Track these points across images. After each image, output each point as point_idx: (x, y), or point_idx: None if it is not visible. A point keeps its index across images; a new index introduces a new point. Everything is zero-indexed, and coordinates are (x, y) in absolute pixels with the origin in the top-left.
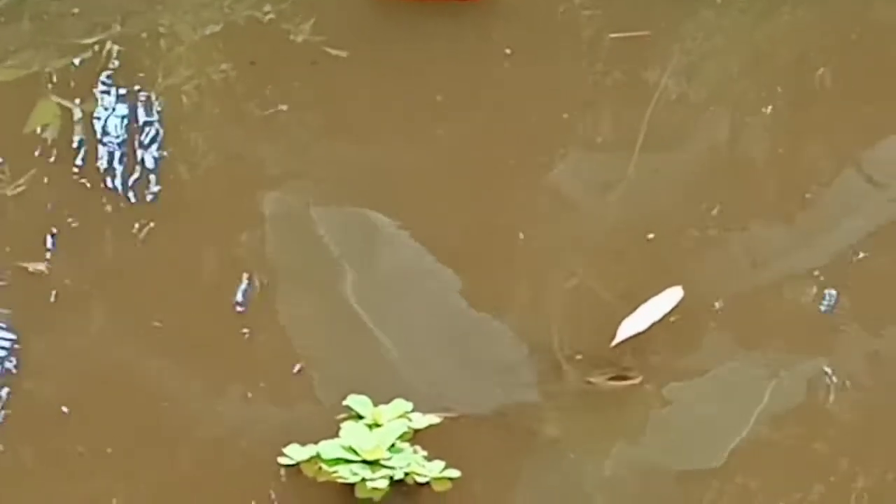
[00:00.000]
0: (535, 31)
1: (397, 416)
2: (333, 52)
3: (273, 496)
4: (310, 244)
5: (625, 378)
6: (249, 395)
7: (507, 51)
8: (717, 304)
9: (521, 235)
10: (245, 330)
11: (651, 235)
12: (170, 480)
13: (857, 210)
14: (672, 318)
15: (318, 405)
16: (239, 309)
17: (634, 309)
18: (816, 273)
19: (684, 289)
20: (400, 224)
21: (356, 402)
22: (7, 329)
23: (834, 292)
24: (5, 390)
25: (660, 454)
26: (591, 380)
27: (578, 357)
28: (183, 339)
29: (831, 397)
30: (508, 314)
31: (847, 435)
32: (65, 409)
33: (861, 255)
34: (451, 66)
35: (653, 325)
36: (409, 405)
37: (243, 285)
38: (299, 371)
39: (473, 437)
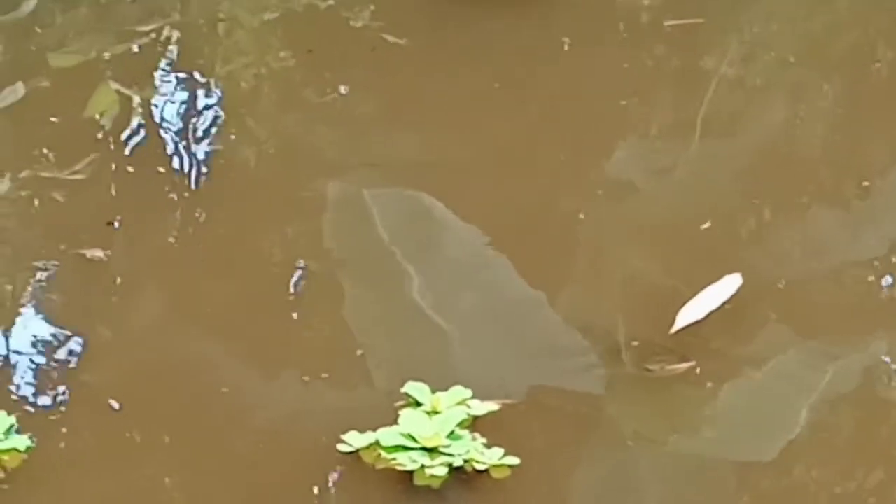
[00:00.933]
0: (592, 20)
1: (456, 403)
2: (392, 39)
3: (332, 483)
4: (368, 230)
5: (682, 364)
6: (308, 381)
7: (566, 39)
8: (774, 292)
9: (581, 218)
10: (304, 317)
11: (707, 224)
12: (228, 468)
13: None
14: (730, 306)
15: (376, 392)
16: (297, 296)
17: (692, 296)
18: (874, 261)
19: (745, 276)
20: (458, 211)
21: (414, 388)
22: (66, 316)
23: (892, 280)
24: (65, 377)
25: (717, 443)
26: (650, 367)
27: (637, 344)
28: (242, 326)
29: (891, 385)
30: (567, 301)
31: None
32: (123, 397)
33: None
34: (509, 54)
35: (711, 312)
36: (468, 392)
37: (301, 272)
38: (360, 356)
39: (532, 425)
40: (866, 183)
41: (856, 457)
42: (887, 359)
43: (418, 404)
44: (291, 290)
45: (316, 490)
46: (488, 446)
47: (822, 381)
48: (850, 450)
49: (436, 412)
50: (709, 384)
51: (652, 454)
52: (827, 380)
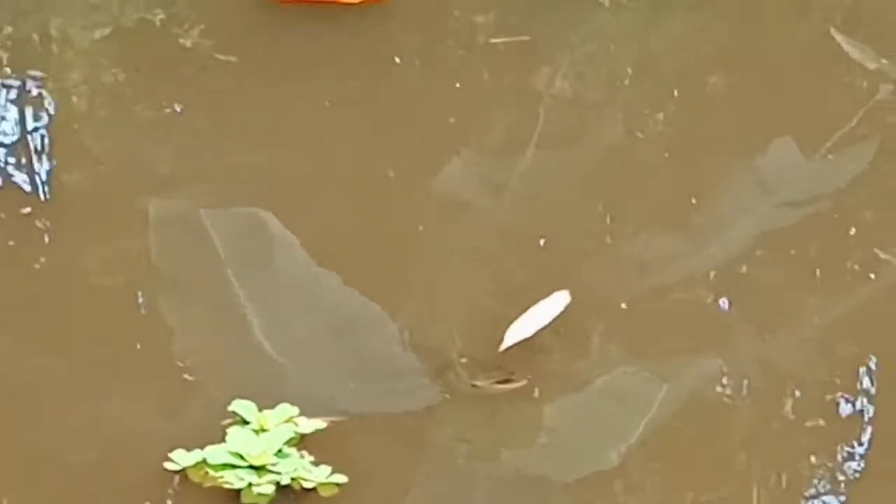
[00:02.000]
0: (425, 36)
1: (283, 420)
2: (223, 56)
3: (160, 501)
4: (199, 248)
5: (510, 381)
6: (136, 399)
7: (397, 56)
8: (607, 310)
9: (413, 236)
10: (133, 335)
11: (541, 241)
12: (57, 488)
13: (747, 215)
14: (563, 323)
15: (204, 410)
16: (127, 314)
17: (524, 313)
18: (706, 278)
19: (575, 293)
20: (289, 228)
21: (241, 406)
22: None
23: (724, 297)
24: None
25: (550, 460)
26: (477, 383)
27: (466, 361)
28: (70, 343)
29: (723, 401)
30: (398, 318)
31: (740, 438)
32: None
33: (750, 259)
34: (341, 71)
35: (541, 329)
36: (295, 410)
37: (132, 289)
38: (189, 373)
39: (362, 443)
40: (699, 200)
41: (690, 475)
42: (720, 374)
43: (245, 422)
44: (122, 307)
45: None
46: (316, 464)
47: (654, 397)
48: (683, 468)
49: (263, 430)
50: (541, 401)
51: (484, 472)
52: (658, 398)
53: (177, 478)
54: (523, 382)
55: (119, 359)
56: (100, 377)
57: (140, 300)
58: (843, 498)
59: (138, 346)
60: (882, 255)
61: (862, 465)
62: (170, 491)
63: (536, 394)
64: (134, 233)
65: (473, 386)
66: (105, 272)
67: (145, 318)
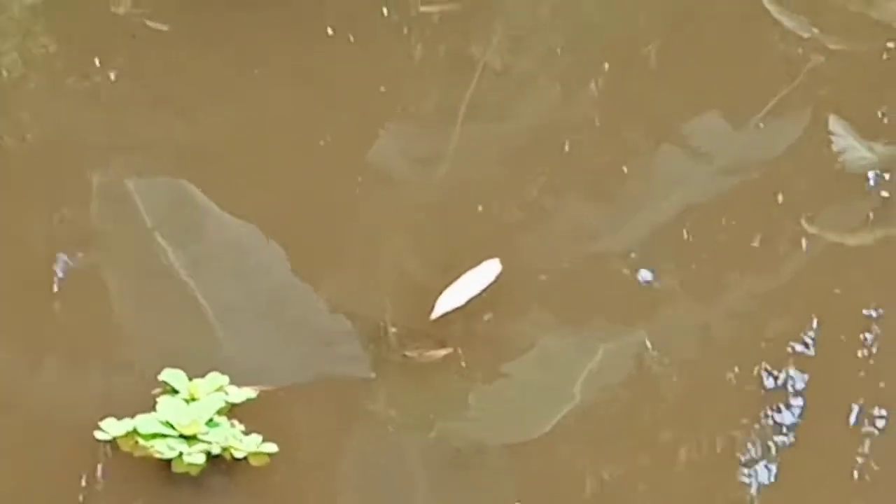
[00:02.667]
0: (356, 6)
1: (214, 389)
2: (153, 25)
3: (90, 471)
4: (130, 217)
5: (439, 350)
6: (67, 368)
7: (329, 26)
8: (540, 278)
9: (344, 205)
10: (65, 305)
11: (472, 211)
12: None
13: (678, 184)
14: (496, 292)
15: (135, 379)
16: (59, 283)
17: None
18: (637, 247)
19: (507, 263)
20: (221, 197)
21: (171, 376)
22: None
23: (654, 267)
24: None
25: (482, 428)
26: (408, 353)
27: (396, 330)
28: (2, 314)
29: (653, 369)
30: (330, 288)
31: (669, 405)
32: None
33: (681, 229)
34: (273, 40)
35: (472, 298)
36: (226, 379)
37: (64, 258)
38: (121, 343)
39: (293, 412)
40: (632, 169)
41: (620, 442)
42: (650, 342)
43: (176, 391)
44: (54, 278)
45: (75, 478)
46: (247, 433)
47: (585, 364)
48: (613, 435)
49: (194, 399)
50: (472, 370)
51: (416, 440)
52: (591, 364)
53: (108, 447)
54: (450, 351)
55: (52, 329)
56: (32, 348)
57: (71, 269)
58: (775, 466)
59: (68, 316)
60: (809, 229)
61: (793, 435)
62: (100, 460)
63: (468, 362)
64: (64, 201)
65: (404, 356)
66: (35, 240)
67: (76, 287)
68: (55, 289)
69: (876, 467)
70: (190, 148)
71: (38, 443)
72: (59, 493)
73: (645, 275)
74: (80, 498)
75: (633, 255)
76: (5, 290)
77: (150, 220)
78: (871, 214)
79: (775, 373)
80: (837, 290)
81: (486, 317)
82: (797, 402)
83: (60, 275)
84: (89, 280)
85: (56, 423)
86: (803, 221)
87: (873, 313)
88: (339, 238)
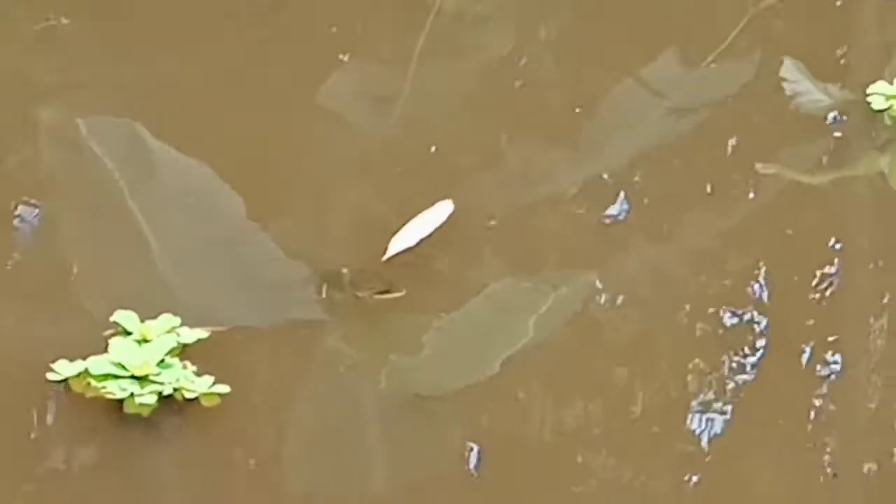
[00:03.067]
0: None
1: (165, 331)
2: None
3: (42, 412)
4: (82, 158)
5: (390, 292)
6: (19, 309)
7: None
8: (493, 219)
9: (298, 147)
10: (15, 245)
11: (427, 152)
12: None
13: (633, 124)
14: (450, 234)
15: (87, 321)
16: (10, 224)
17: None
18: (591, 189)
19: (462, 205)
20: (173, 138)
21: (123, 317)
22: None
23: (608, 208)
24: None
25: (434, 369)
26: (359, 294)
27: (347, 271)
28: None
29: (608, 312)
30: (283, 229)
31: (622, 348)
32: None
33: (637, 168)
34: None
35: (424, 239)
36: (177, 320)
37: (16, 201)
38: (71, 284)
39: (245, 353)
40: (588, 110)
41: (575, 384)
42: (605, 289)
43: (128, 333)
44: (5, 218)
45: (27, 419)
46: (199, 374)
47: (539, 306)
48: (569, 377)
49: (146, 340)
50: (425, 312)
51: (368, 382)
52: (545, 306)
53: (60, 388)
54: (402, 293)
55: (2, 269)
56: None
57: (20, 209)
58: (730, 407)
59: (19, 256)
60: (764, 170)
61: (748, 376)
62: (53, 401)
63: (421, 303)
64: (16, 142)
65: (356, 296)
66: None
67: (27, 228)
68: (7, 231)
69: (832, 407)
70: (141, 90)
71: None
72: (11, 434)
73: (599, 216)
74: (32, 437)
75: (587, 196)
76: None
77: (103, 161)
78: (824, 159)
79: (730, 314)
80: (790, 231)
81: (440, 258)
82: (752, 342)
83: (13, 216)
84: (41, 222)
85: (8, 365)
86: (758, 162)
87: (829, 254)
88: (292, 179)
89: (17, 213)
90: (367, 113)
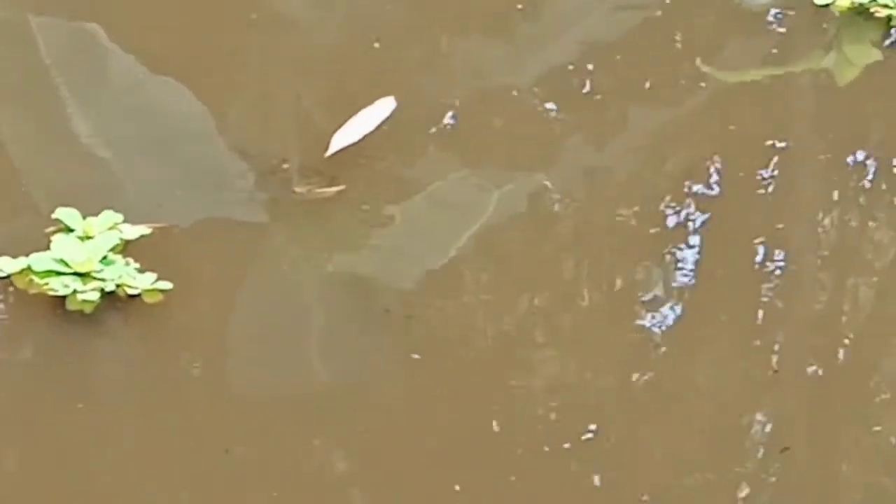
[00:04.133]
0: None
1: (107, 227)
2: None
3: None
4: (29, 55)
5: (330, 187)
6: None
7: None
8: (437, 117)
9: (242, 44)
10: None
11: (370, 47)
12: None
13: (576, 21)
14: (394, 130)
15: (30, 217)
16: None
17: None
18: (535, 84)
19: (406, 101)
20: (119, 39)
21: (65, 214)
22: None
23: (553, 105)
24: None
25: (380, 264)
26: (297, 189)
27: (292, 167)
28: None
29: (553, 209)
30: (225, 126)
31: (569, 245)
32: None
33: (579, 69)
34: None
35: (367, 135)
36: (120, 216)
37: None
38: (13, 181)
39: (188, 250)
40: (524, 6)
41: (521, 279)
42: (548, 183)
43: (70, 230)
44: None
45: None
46: (142, 271)
47: (486, 205)
48: (515, 272)
49: (88, 237)
50: (367, 208)
51: (312, 278)
52: (491, 204)
53: (2, 285)
54: (342, 187)
55: None
56: None
57: None
58: (676, 303)
59: None
60: (706, 67)
61: (694, 274)
62: None
63: (364, 200)
64: None
65: (294, 192)
66: None
67: None
68: None
69: (780, 304)
70: None
71: None
72: None
73: (544, 112)
74: None
75: (530, 94)
76: None
77: (48, 59)
78: (769, 54)
79: (675, 210)
80: (733, 127)
81: (383, 155)
82: (698, 240)
83: None
84: None
85: None
86: (700, 59)
87: (773, 151)
88: (237, 77)
89: None
90: (309, 7)
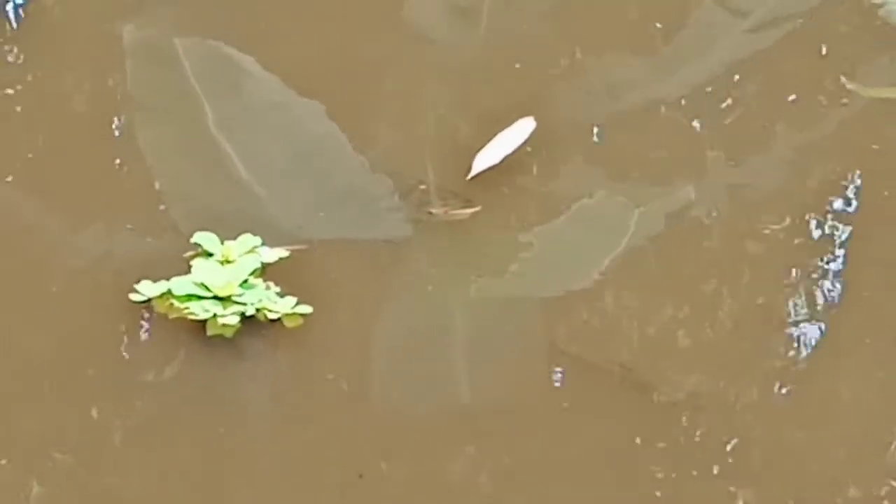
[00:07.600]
0: None
1: (246, 251)
2: None
3: (126, 333)
4: (172, 75)
5: (467, 208)
6: (105, 230)
7: None
8: (579, 135)
9: (383, 64)
10: (105, 165)
11: (512, 68)
12: (25, 313)
13: (716, 41)
14: (536, 150)
15: (170, 240)
16: (102, 142)
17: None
18: (678, 103)
19: (546, 120)
20: (260, 58)
21: (204, 238)
22: None
23: (696, 123)
24: None
25: (521, 283)
26: (433, 210)
27: (433, 189)
28: (46, 172)
29: (696, 226)
30: (367, 147)
31: (713, 261)
32: None
33: (721, 86)
34: None
35: (508, 156)
36: (258, 240)
37: (107, 117)
38: (157, 205)
39: (328, 273)
40: (669, 26)
41: (664, 296)
42: (693, 202)
43: (210, 254)
44: (97, 135)
45: (112, 340)
46: (282, 295)
47: (629, 221)
48: (657, 290)
49: (228, 261)
50: (510, 227)
51: (455, 298)
52: (634, 221)
53: (143, 310)
54: (477, 209)
55: (94, 190)
56: (73, 208)
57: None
58: (819, 321)
59: (105, 179)
60: (849, 85)
61: (839, 289)
62: (136, 323)
63: (506, 220)
64: (107, 59)
65: (429, 213)
66: (79, 101)
67: (112, 150)
68: (98, 148)
69: None
70: (231, 6)
71: (75, 306)
72: (95, 355)
73: (688, 129)
74: (116, 359)
75: (675, 110)
76: (50, 147)
77: (193, 78)
78: None
79: (818, 225)
80: (876, 146)
81: (525, 175)
82: (841, 256)
83: (105, 133)
84: (124, 143)
85: (92, 286)
86: (843, 76)
87: None
88: (377, 97)
89: (107, 130)
90: (451, 28)
